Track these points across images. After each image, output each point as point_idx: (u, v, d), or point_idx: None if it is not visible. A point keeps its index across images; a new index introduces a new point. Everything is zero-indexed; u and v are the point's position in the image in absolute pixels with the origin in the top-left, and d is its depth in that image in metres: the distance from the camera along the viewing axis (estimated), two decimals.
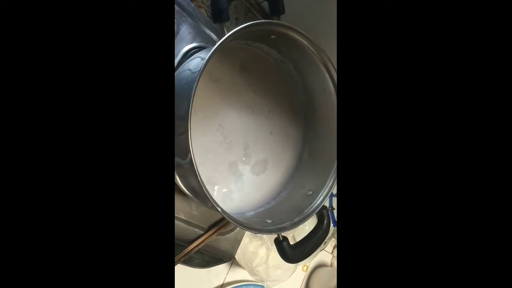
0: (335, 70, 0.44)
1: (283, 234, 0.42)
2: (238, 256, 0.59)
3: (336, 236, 0.75)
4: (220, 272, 0.62)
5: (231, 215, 0.37)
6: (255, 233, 0.56)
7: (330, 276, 0.73)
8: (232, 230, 0.52)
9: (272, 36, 0.42)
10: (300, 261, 0.44)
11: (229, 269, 0.63)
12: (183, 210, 0.47)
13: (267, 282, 0.62)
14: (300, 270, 0.74)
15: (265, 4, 0.46)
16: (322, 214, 0.44)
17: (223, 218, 0.47)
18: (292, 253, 0.42)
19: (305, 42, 0.42)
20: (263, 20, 0.37)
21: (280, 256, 0.42)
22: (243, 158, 0.49)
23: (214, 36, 0.48)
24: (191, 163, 0.33)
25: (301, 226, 0.43)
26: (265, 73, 0.49)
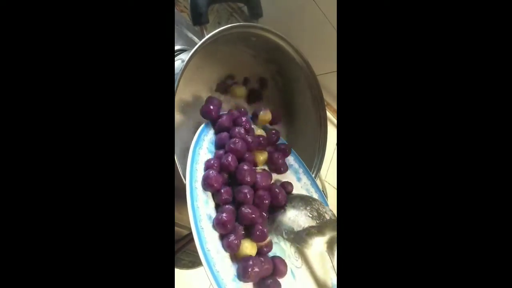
0: (311, 70, 0.46)
1: None
2: None
3: None
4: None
5: None
6: None
7: None
8: None
9: (253, 39, 0.43)
10: None
11: None
12: None
13: None
14: None
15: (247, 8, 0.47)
16: None
17: None
18: None
19: (283, 44, 0.43)
20: (241, 23, 0.38)
21: None
22: None
23: (196, 39, 0.49)
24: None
25: None
26: (249, 74, 0.50)
